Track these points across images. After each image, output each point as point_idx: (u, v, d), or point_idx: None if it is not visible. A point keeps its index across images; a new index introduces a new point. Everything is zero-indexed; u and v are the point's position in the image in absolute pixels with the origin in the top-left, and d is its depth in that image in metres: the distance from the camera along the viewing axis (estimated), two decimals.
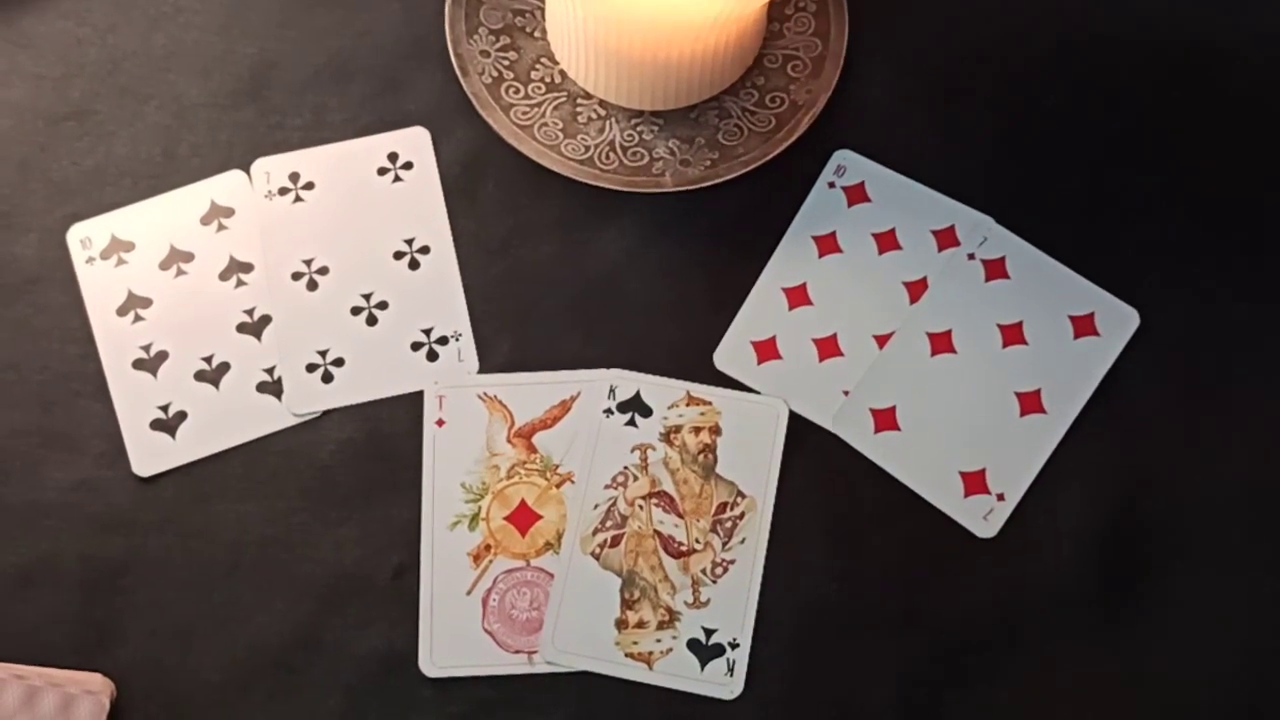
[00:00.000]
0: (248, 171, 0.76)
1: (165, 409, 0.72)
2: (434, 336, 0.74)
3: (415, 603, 0.69)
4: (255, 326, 0.74)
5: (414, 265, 0.75)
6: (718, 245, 0.75)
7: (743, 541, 0.70)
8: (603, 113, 0.77)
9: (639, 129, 0.77)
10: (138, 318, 0.74)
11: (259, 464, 0.72)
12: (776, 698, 0.69)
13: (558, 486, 0.71)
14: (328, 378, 0.73)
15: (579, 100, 0.77)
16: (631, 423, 0.72)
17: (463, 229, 0.75)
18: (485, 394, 0.73)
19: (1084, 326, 0.74)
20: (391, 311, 0.74)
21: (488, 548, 0.70)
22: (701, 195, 0.75)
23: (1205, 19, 0.79)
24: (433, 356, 0.73)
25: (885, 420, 0.72)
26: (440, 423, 0.72)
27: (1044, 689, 0.69)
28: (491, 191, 0.76)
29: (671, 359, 0.73)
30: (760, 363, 0.73)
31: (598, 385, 0.73)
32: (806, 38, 0.78)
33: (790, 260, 0.75)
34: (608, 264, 0.75)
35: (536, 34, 0.78)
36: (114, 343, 0.73)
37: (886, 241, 0.75)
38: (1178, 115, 0.78)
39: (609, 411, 0.72)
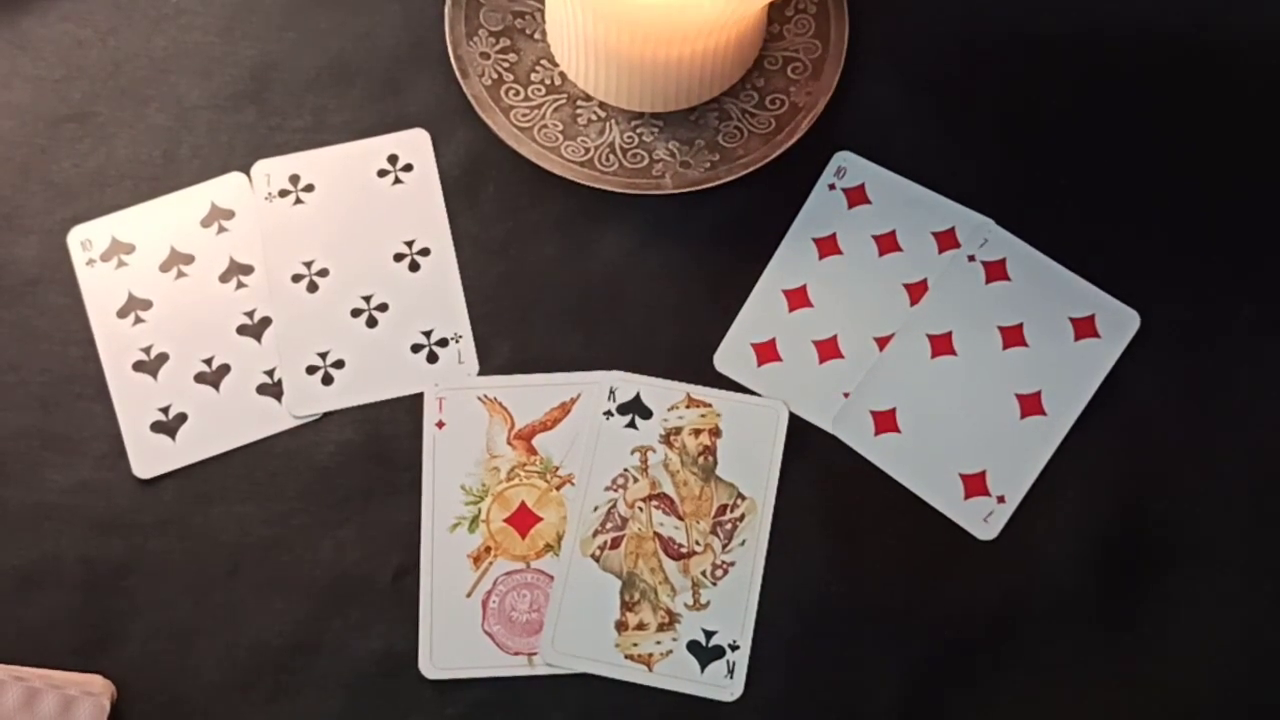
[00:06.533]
0: (248, 173, 0.76)
1: (165, 411, 0.72)
2: (434, 338, 0.74)
3: (415, 604, 0.69)
4: (255, 328, 0.74)
5: (414, 267, 0.75)
6: (718, 247, 0.75)
7: (743, 543, 0.70)
8: (603, 115, 0.77)
9: (639, 131, 0.77)
10: (138, 320, 0.74)
11: (259, 466, 0.72)
12: (777, 700, 0.69)
13: (558, 488, 0.71)
14: (328, 380, 0.73)
15: (579, 102, 0.77)
16: (632, 425, 0.72)
17: (463, 231, 0.75)
18: (485, 396, 0.73)
19: (1084, 328, 0.74)
20: (391, 313, 0.74)
21: (488, 550, 0.70)
22: (702, 197, 0.75)
23: (1206, 19, 0.79)
24: (433, 358, 0.73)
25: (885, 422, 0.72)
26: (440, 425, 0.72)
27: (1044, 691, 0.69)
28: (491, 193, 0.76)
29: (672, 361, 0.73)
30: (760, 364, 0.73)
31: (598, 387, 0.73)
32: (807, 39, 0.78)
33: (790, 262, 0.75)
34: (608, 266, 0.75)
35: (536, 36, 0.78)
36: (114, 345, 0.73)
37: (887, 243, 0.75)
38: (1179, 117, 0.78)
39: (609, 413, 0.72)
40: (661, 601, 0.70)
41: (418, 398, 0.73)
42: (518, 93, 0.77)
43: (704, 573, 0.70)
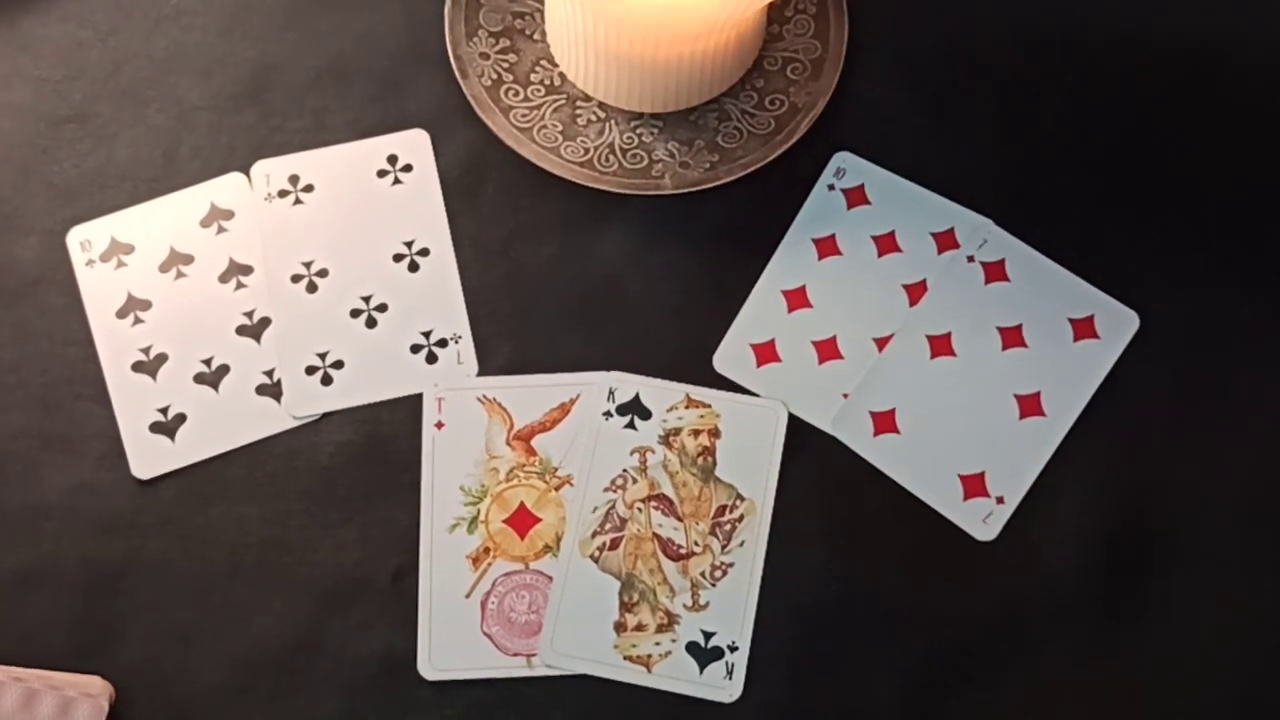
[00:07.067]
0: (248, 174, 0.76)
1: (165, 411, 0.72)
2: (433, 339, 0.74)
3: (414, 605, 0.70)
4: (255, 329, 0.74)
5: (413, 267, 0.75)
6: (717, 248, 0.75)
7: (742, 544, 0.70)
8: (602, 115, 0.77)
9: (639, 131, 0.77)
10: (137, 320, 0.74)
11: (258, 466, 0.72)
12: (776, 701, 0.69)
13: (557, 489, 0.71)
14: (327, 380, 0.73)
15: (578, 103, 0.77)
16: (631, 425, 0.72)
17: (462, 231, 0.75)
18: (484, 396, 0.73)
19: (1084, 329, 0.74)
20: (391, 314, 0.74)
21: (487, 550, 0.70)
22: (701, 197, 0.75)
23: (1205, 20, 0.79)
24: (432, 359, 0.73)
25: (884, 423, 0.72)
26: (439, 425, 0.72)
27: (1044, 692, 0.69)
28: (491, 194, 0.76)
29: (671, 361, 0.73)
30: (760, 365, 0.73)
31: (597, 388, 0.73)
32: (806, 40, 0.78)
33: (790, 263, 0.75)
34: (607, 266, 0.75)
35: (536, 36, 0.78)
36: (114, 345, 0.73)
37: (886, 244, 0.75)
38: (1178, 117, 0.78)
39: (608, 414, 0.72)
40: (660, 602, 0.70)
41: (417, 398, 0.73)
42: (517, 93, 0.77)
43: (703, 574, 0.70)
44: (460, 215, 0.76)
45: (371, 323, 0.74)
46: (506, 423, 0.72)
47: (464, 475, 0.71)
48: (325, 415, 0.73)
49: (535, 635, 0.69)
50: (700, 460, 0.72)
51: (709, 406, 0.72)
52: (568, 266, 0.75)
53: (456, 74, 0.77)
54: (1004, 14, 0.79)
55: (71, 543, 0.70)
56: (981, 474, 0.71)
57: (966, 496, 0.71)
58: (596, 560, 0.70)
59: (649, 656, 0.69)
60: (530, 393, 0.73)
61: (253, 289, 0.74)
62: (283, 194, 0.76)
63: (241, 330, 0.74)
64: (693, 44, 0.73)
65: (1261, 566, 0.71)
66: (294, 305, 0.74)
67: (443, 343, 0.74)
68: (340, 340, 0.73)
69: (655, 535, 0.70)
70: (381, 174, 0.76)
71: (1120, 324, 0.74)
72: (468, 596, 0.70)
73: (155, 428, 0.72)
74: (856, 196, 0.76)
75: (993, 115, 0.77)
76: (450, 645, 0.69)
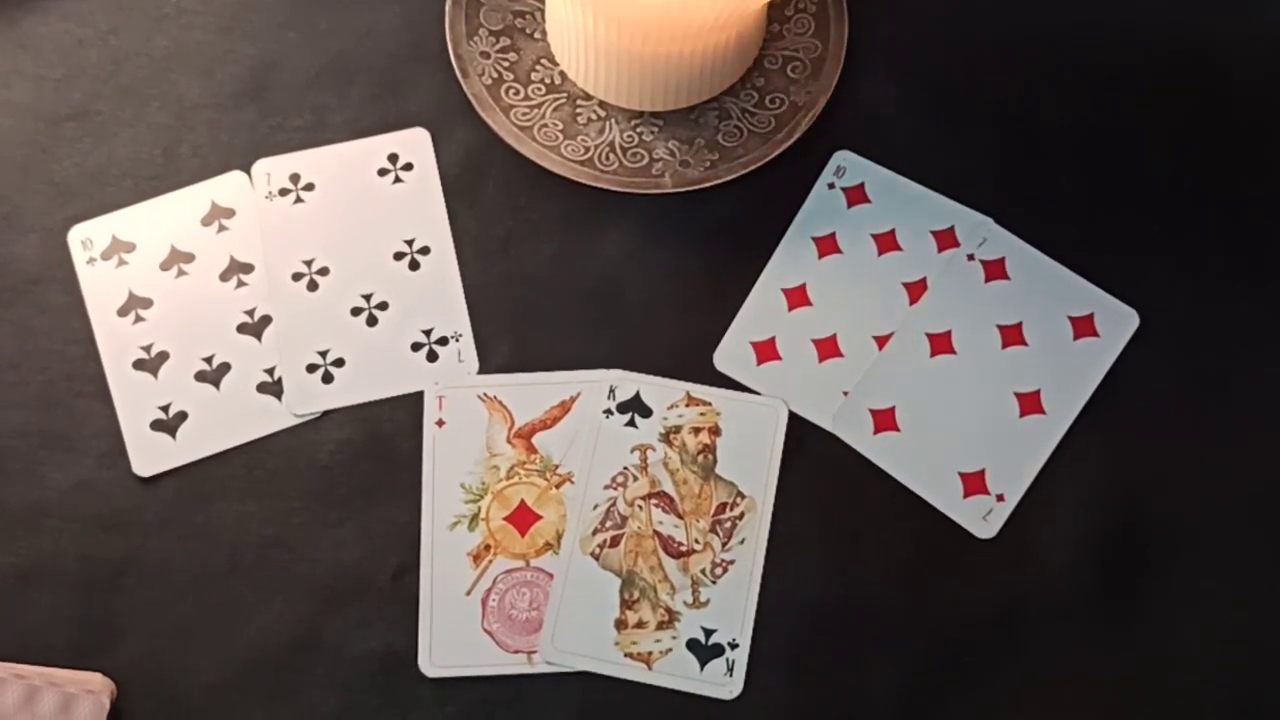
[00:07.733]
0: (248, 172, 0.76)
1: (166, 409, 0.72)
2: (434, 337, 0.74)
3: (415, 603, 0.70)
4: (256, 327, 0.74)
5: (414, 266, 0.75)
6: (717, 246, 0.75)
7: (742, 542, 0.70)
8: (603, 114, 0.77)
9: (639, 130, 0.77)
10: (138, 318, 0.74)
11: (259, 464, 0.72)
12: (776, 698, 0.69)
13: (557, 487, 0.71)
14: (328, 378, 0.73)
15: (579, 101, 0.77)
16: (631, 423, 0.72)
17: (463, 230, 0.75)
18: (485, 394, 0.73)
19: (1083, 327, 0.74)
20: (392, 312, 0.74)
21: (487, 548, 0.70)
22: (701, 196, 0.75)
23: (1205, 20, 0.79)
24: (433, 357, 0.73)
25: (885, 421, 0.72)
26: (440, 423, 0.72)
27: (1043, 689, 0.69)
28: (491, 192, 0.76)
29: (671, 359, 0.73)
30: (760, 363, 0.73)
31: (597, 386, 0.73)
32: (806, 39, 0.78)
33: (790, 261, 0.75)
34: (607, 265, 0.75)
35: (536, 35, 0.78)
36: (115, 343, 0.73)
37: (886, 242, 0.75)
38: (1177, 115, 0.78)
39: (609, 412, 0.72)
40: (661, 600, 0.70)
41: (418, 396, 0.73)
42: (518, 92, 0.77)
43: (703, 571, 0.70)
44: (461, 214, 0.76)
45: (372, 321, 0.74)
46: (507, 420, 0.72)
47: (465, 473, 0.71)
48: (326, 413, 0.73)
49: (536, 632, 0.69)
50: (701, 458, 0.72)
51: (709, 404, 0.72)
52: (568, 265, 0.75)
53: (457, 72, 0.77)
54: (1004, 13, 0.79)
55: (72, 540, 0.70)
56: (981, 472, 0.72)
57: (966, 494, 0.71)
58: (597, 558, 0.70)
59: (649, 653, 0.69)
60: (531, 391, 0.73)
61: (253, 287, 0.74)
62: (283, 192, 0.76)
63: (242, 328, 0.74)
64: (693, 42, 0.73)
65: (1261, 566, 0.71)
66: (295, 303, 0.74)
67: (443, 341, 0.74)
68: (341, 338, 0.74)
69: (656, 533, 0.71)
70: (382, 172, 0.76)
71: (1120, 322, 0.74)
72: (468, 594, 0.70)
73: (156, 425, 0.72)
74: (856, 195, 0.76)
75: (993, 113, 0.77)
76: (451, 642, 0.69)
